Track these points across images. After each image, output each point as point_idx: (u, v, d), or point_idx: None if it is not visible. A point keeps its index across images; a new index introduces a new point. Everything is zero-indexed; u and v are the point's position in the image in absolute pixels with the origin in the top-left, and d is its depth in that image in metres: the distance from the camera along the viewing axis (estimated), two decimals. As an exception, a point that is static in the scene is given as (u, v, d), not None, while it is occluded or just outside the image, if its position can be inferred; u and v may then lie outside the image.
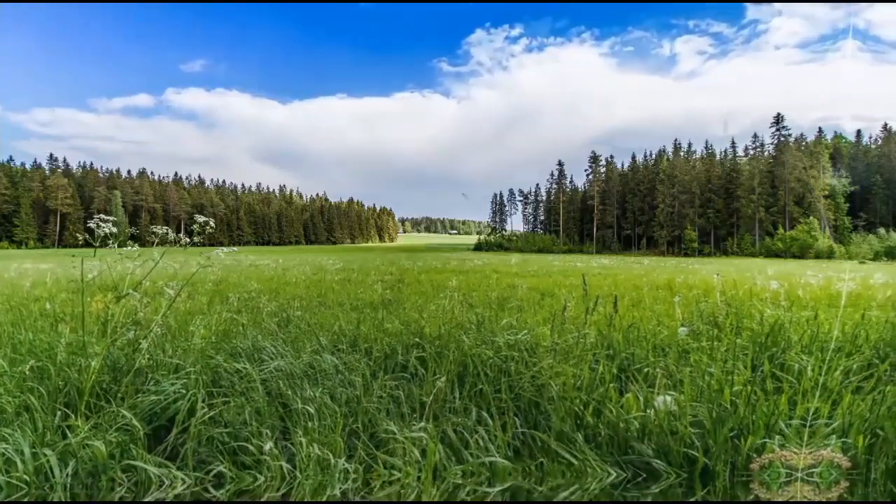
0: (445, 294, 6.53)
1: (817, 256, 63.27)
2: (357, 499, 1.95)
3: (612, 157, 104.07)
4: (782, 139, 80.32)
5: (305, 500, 1.93)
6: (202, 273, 6.30)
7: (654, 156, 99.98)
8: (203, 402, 2.57)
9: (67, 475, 2.36)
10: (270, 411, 2.48)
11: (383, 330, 3.92)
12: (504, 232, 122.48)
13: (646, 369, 2.85)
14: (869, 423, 2.21)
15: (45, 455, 2.44)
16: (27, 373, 3.51)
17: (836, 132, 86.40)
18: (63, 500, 2.25)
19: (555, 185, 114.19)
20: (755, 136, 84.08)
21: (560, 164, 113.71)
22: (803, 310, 4.10)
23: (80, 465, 2.42)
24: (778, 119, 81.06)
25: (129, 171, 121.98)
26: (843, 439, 2.15)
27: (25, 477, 2.37)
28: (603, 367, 2.59)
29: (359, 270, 14.69)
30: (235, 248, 3.72)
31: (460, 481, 1.97)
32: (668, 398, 2.26)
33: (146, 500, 2.17)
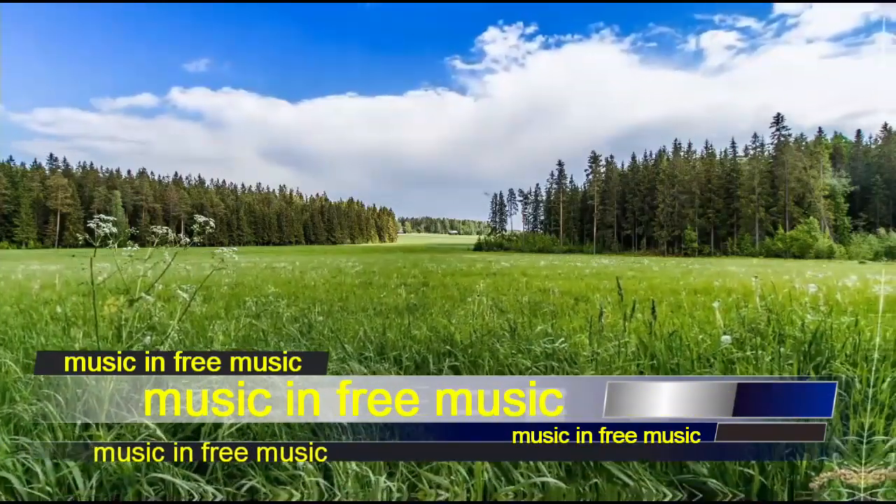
0: (473, 298, 6.40)
1: (817, 256, 63.22)
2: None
3: (611, 157, 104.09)
4: (782, 139, 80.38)
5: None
6: (216, 275, 6.24)
7: (653, 156, 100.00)
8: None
9: (91, 487, 2.31)
10: (301, 424, 2.40)
11: (411, 337, 3.84)
12: (504, 232, 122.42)
13: (694, 382, 2.73)
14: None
15: (67, 466, 2.40)
16: (42, 379, 3.45)
17: (836, 132, 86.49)
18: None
19: (555, 186, 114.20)
20: (755, 135, 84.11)
21: (560, 164, 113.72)
22: (842, 315, 4.02)
23: (104, 478, 2.37)
24: (778, 119, 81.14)
25: (129, 172, 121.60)
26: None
27: (48, 489, 2.32)
28: (649, 380, 2.51)
29: (380, 273, 14.48)
30: (235, 248, 3.64)
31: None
32: (720, 414, 2.19)
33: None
